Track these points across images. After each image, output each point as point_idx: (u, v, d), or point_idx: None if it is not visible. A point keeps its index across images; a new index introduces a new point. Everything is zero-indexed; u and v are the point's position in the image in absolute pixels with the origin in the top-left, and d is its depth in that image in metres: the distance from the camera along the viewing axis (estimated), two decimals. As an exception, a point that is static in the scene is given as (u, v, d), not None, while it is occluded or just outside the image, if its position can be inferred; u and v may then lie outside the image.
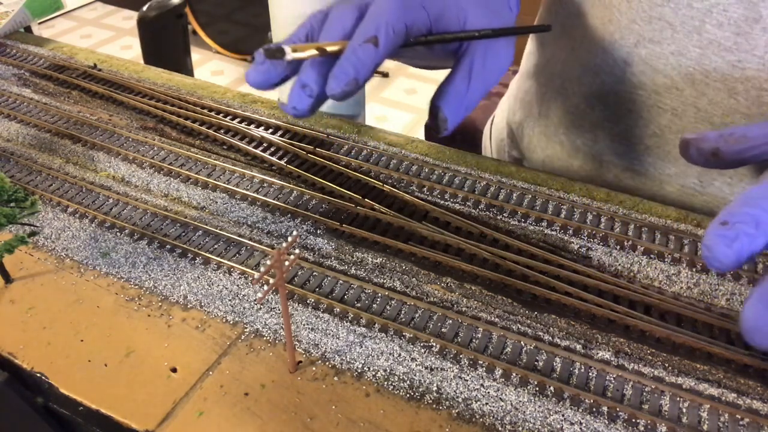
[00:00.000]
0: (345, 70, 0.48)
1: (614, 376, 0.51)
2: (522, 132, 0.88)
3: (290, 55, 0.48)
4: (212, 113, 0.83)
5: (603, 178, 0.78)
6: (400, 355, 0.53)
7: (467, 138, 1.12)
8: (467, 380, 0.51)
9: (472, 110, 0.54)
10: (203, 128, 0.80)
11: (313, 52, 0.49)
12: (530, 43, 0.90)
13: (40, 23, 1.16)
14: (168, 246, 0.63)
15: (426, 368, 0.52)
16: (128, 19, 3.71)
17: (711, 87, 0.64)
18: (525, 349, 0.53)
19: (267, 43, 0.53)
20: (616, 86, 0.71)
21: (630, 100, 0.71)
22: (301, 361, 0.52)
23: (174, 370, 0.52)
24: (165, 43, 2.16)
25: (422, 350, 0.53)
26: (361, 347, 0.53)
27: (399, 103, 2.95)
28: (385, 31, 0.48)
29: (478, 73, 0.52)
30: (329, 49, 0.49)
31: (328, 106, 0.86)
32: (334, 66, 0.49)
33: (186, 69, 2.28)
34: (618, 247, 0.63)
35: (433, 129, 0.54)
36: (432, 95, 0.54)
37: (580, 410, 0.48)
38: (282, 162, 0.74)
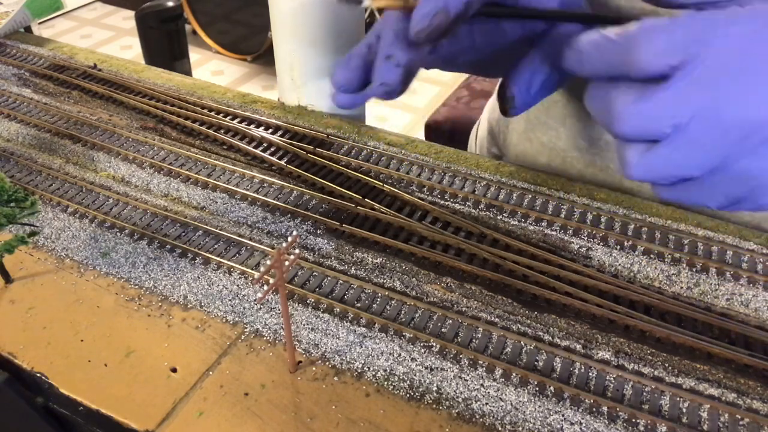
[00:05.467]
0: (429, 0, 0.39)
1: (614, 376, 0.51)
2: (499, 129, 0.89)
3: (367, 2, 0.41)
4: (212, 113, 0.83)
5: (567, 173, 0.78)
6: (400, 355, 0.53)
7: (467, 138, 1.12)
8: (467, 380, 0.51)
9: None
10: (203, 128, 0.80)
11: (396, 2, 0.41)
12: None
13: (40, 23, 1.16)
14: (168, 246, 0.63)
15: (426, 368, 0.52)
16: (128, 19, 3.71)
17: None
18: (525, 349, 0.53)
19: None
20: (577, 81, 0.71)
21: None
22: (301, 361, 0.52)
23: (174, 370, 0.52)
24: (160, 45, 2.15)
25: (422, 350, 0.53)
26: (361, 347, 0.53)
27: (399, 103, 2.95)
28: None
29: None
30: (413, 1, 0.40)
31: (328, 106, 0.86)
32: None
33: (182, 71, 2.28)
34: (618, 247, 0.63)
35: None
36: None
37: (580, 410, 0.48)
38: (282, 162, 0.74)
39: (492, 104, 0.95)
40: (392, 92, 0.43)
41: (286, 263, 0.45)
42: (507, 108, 0.47)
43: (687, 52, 0.31)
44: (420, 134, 1.43)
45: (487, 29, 0.45)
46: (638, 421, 0.48)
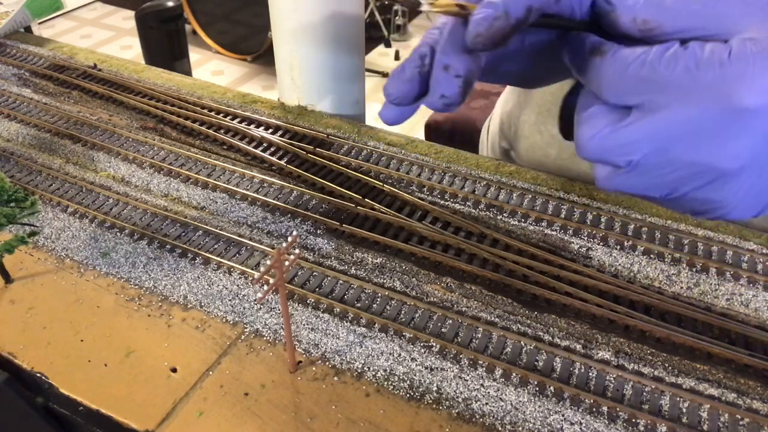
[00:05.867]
0: (490, 3, 0.36)
1: (614, 376, 0.51)
2: (510, 122, 0.89)
3: (426, 6, 0.39)
4: (212, 113, 0.83)
5: (578, 167, 0.78)
6: (400, 355, 0.53)
7: (467, 138, 1.12)
8: (467, 380, 0.51)
9: None
10: (203, 128, 0.80)
11: (453, 8, 0.40)
12: None
13: (40, 23, 1.16)
14: (168, 246, 0.63)
15: (426, 368, 0.52)
16: (128, 19, 3.71)
17: None
18: (525, 349, 0.53)
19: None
20: None
21: None
22: (301, 361, 0.52)
23: (174, 370, 0.52)
24: (160, 45, 2.15)
25: (422, 350, 0.53)
26: (361, 347, 0.53)
27: (399, 103, 2.94)
28: None
29: None
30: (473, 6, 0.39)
31: (328, 106, 0.86)
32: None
33: (182, 71, 2.27)
34: (618, 247, 0.63)
35: None
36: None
37: (580, 410, 0.48)
38: (282, 162, 0.74)
39: (504, 98, 0.94)
40: (452, 104, 0.41)
41: (286, 263, 0.45)
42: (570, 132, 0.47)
43: (643, 95, 0.33)
44: (420, 134, 1.43)
45: (535, 39, 0.44)
46: (638, 421, 0.48)
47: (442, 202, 0.69)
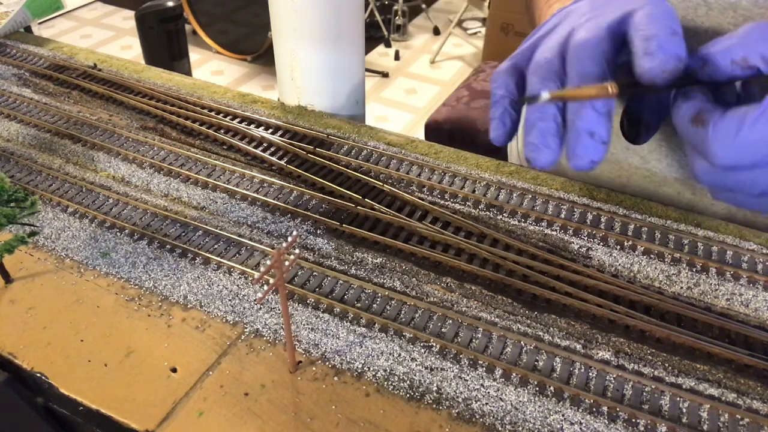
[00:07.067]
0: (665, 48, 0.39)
1: (614, 376, 0.51)
2: None
3: (547, 95, 0.42)
4: (212, 113, 0.83)
5: (628, 161, 0.77)
6: (400, 355, 0.53)
7: (467, 138, 1.12)
8: (467, 380, 0.51)
9: None
10: (203, 128, 0.80)
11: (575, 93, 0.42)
12: None
13: (40, 23, 1.16)
14: (168, 246, 0.63)
15: (426, 368, 0.52)
16: (128, 19, 3.71)
17: None
18: (525, 349, 0.53)
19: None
20: None
21: None
22: (301, 361, 0.52)
23: (174, 370, 0.52)
24: (160, 45, 2.16)
25: (422, 350, 0.53)
26: (361, 347, 0.53)
27: (399, 103, 2.95)
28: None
29: None
30: (589, 93, 0.41)
31: (328, 106, 0.86)
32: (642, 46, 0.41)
33: (182, 71, 2.27)
34: (618, 247, 0.63)
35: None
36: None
37: (580, 410, 0.48)
38: (282, 162, 0.74)
39: None
40: (593, 168, 0.46)
41: (286, 263, 0.45)
42: (638, 136, 0.48)
43: (756, 156, 0.35)
44: (420, 134, 1.43)
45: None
46: (638, 421, 0.48)
47: (442, 202, 0.69)
